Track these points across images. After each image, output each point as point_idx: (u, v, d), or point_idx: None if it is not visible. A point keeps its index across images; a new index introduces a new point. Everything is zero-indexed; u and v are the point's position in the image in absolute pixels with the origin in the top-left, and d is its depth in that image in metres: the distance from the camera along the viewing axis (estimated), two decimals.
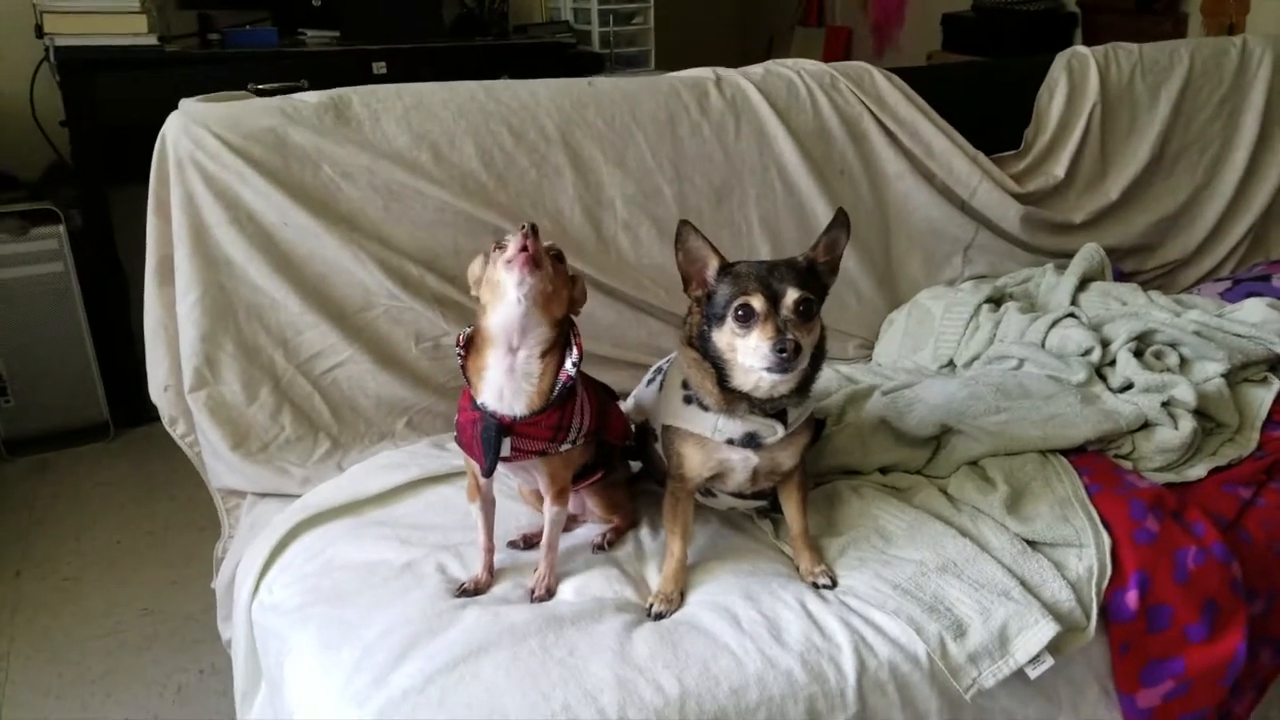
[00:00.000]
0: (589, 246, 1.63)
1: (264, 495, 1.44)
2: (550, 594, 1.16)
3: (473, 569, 1.18)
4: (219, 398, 1.43)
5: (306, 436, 1.46)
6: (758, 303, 1.05)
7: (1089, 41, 3.95)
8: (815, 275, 1.12)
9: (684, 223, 1.11)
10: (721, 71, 1.79)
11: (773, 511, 1.30)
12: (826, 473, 1.40)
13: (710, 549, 1.26)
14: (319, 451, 1.46)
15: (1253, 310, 1.62)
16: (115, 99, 2.53)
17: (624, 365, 1.62)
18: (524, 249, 1.02)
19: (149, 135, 1.45)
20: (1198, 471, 1.36)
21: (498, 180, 1.56)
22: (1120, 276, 1.94)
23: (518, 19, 3.56)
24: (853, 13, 5.12)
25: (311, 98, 1.49)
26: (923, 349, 1.78)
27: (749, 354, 1.06)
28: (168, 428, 1.49)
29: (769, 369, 1.04)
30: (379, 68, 2.86)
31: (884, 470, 1.40)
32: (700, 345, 1.12)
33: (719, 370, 1.11)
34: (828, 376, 1.68)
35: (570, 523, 1.29)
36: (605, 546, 1.26)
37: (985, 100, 2.05)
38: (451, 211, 1.52)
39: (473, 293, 1.10)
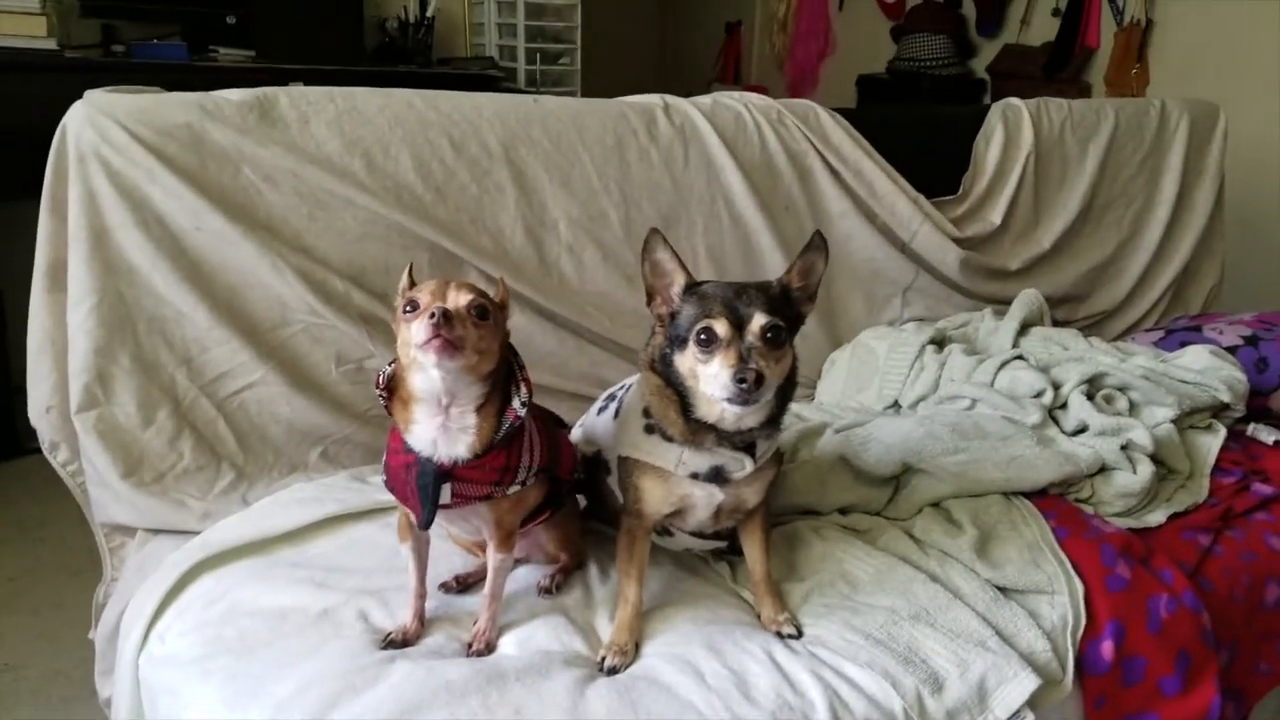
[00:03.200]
0: (530, 269, 1.53)
1: (156, 532, 1.27)
2: (490, 649, 1.03)
3: (400, 617, 1.05)
4: (110, 419, 1.26)
5: (208, 466, 1.30)
6: (721, 327, 0.96)
7: None
8: (788, 301, 1.05)
9: (654, 231, 1.03)
10: (670, 99, 1.75)
11: (730, 553, 1.21)
12: (783, 512, 1.32)
13: (665, 594, 1.16)
14: (222, 483, 1.30)
15: (1196, 357, 1.63)
16: (4, 103, 2.34)
17: (564, 395, 1.52)
18: (437, 336, 0.87)
19: (39, 143, 1.28)
20: (1157, 517, 1.34)
21: (436, 194, 1.45)
22: (1055, 325, 1.94)
23: (442, 51, 3.48)
24: (769, 72, 5.24)
25: (234, 95, 1.36)
26: (867, 389, 1.74)
27: (709, 382, 0.97)
28: (47, 454, 1.31)
29: (729, 399, 0.95)
30: None
31: (843, 511, 1.33)
32: (663, 369, 1.03)
33: (683, 398, 1.02)
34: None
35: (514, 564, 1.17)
36: (552, 590, 1.14)
37: (924, 145, 2.05)
38: (384, 224, 1.40)
39: (394, 328, 0.95)
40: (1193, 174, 2.33)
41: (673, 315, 1.02)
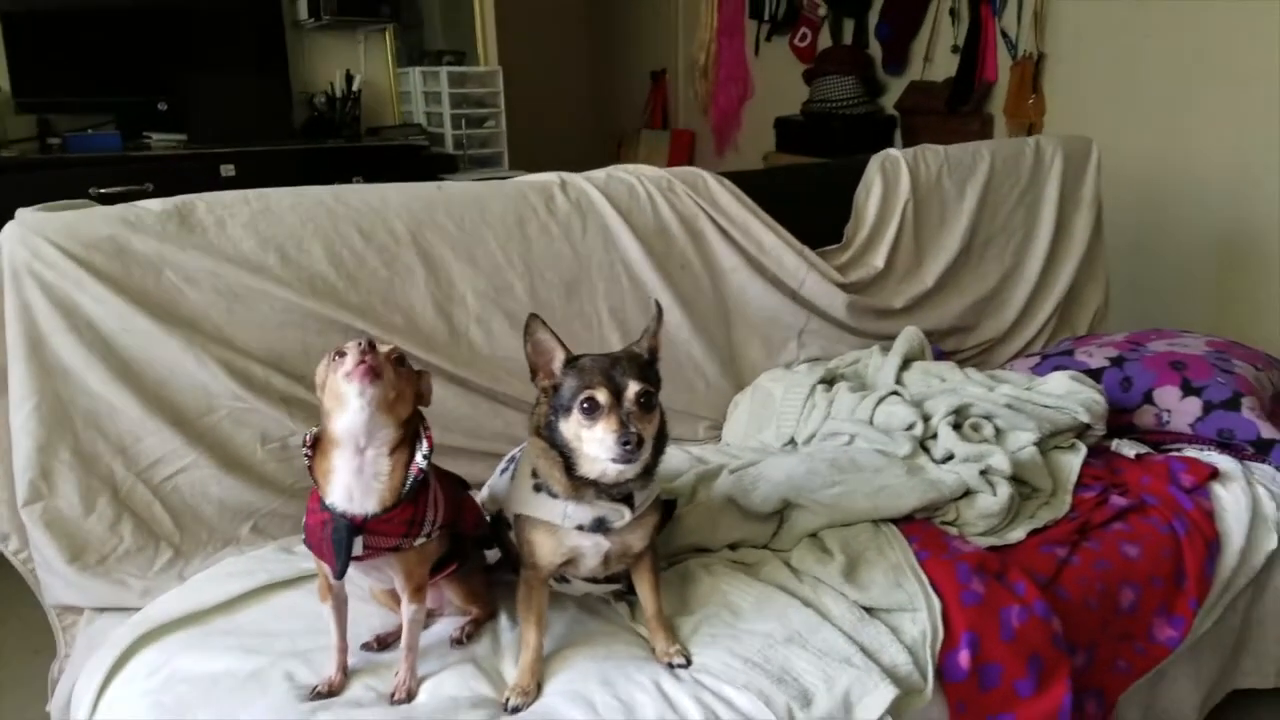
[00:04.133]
0: (440, 340, 1.66)
1: (102, 610, 1.37)
2: (411, 697, 1.15)
3: (324, 673, 1.16)
4: (55, 511, 1.37)
5: (147, 546, 1.41)
6: (602, 396, 1.10)
7: (907, 139, 4.33)
8: (653, 365, 1.19)
9: (533, 316, 1.17)
10: (566, 176, 1.89)
11: (629, 594, 1.34)
12: (678, 552, 1.45)
13: (567, 636, 1.28)
14: (160, 561, 1.41)
15: (1058, 383, 1.78)
16: None
17: (480, 456, 1.64)
18: (362, 362, 1.04)
19: None
20: (1017, 534, 1.48)
21: (348, 280, 1.58)
22: (941, 355, 2.11)
23: (370, 121, 3.62)
24: (695, 117, 5.44)
25: (155, 205, 1.48)
26: (766, 428, 1.88)
27: (595, 445, 1.11)
28: None
29: (614, 459, 1.10)
30: (227, 170, 2.86)
31: (733, 546, 1.46)
32: (548, 434, 1.16)
33: (566, 458, 1.15)
34: (679, 458, 1.76)
35: (426, 618, 1.29)
36: (464, 640, 1.26)
37: (809, 199, 2.22)
38: (300, 312, 1.53)
39: (318, 394, 1.11)
40: (1070, 205, 2.51)
41: (555, 387, 1.16)
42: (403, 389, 1.09)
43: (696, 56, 5.26)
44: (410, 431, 1.11)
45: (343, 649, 1.17)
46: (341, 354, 1.06)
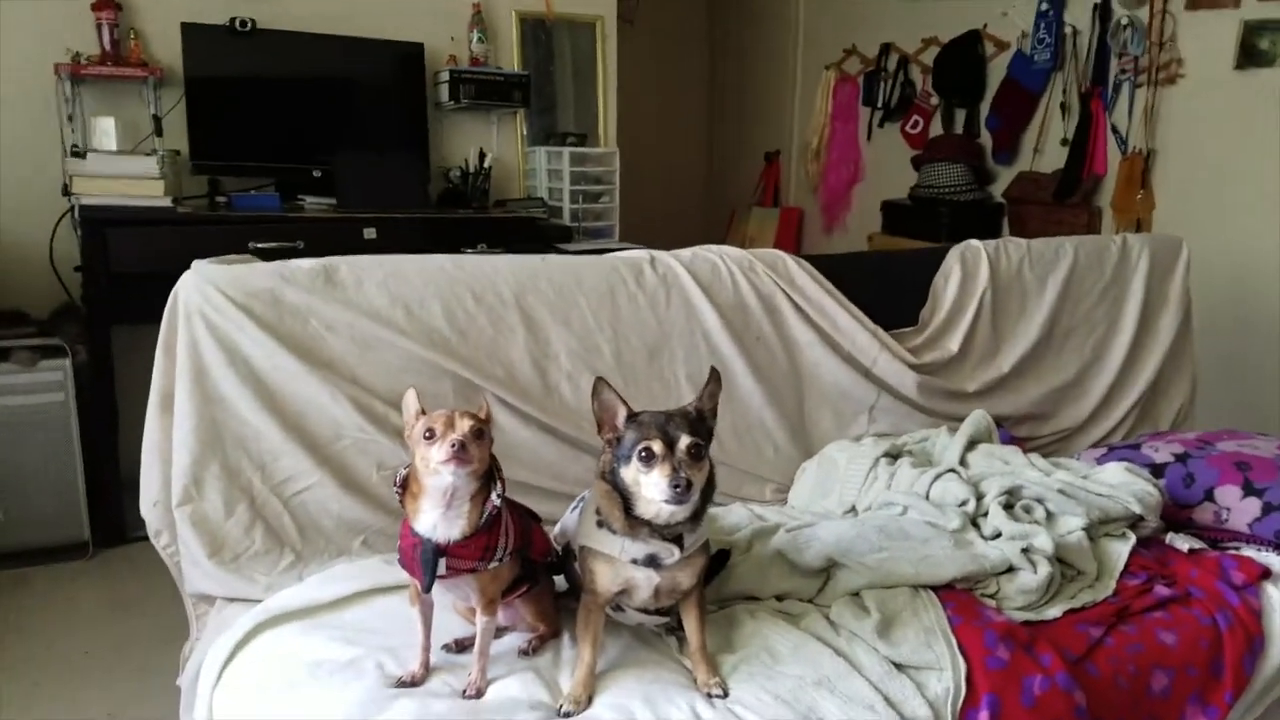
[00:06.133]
0: (535, 392, 1.87)
1: (231, 600, 1.61)
2: (480, 694, 1.32)
3: (409, 667, 1.35)
4: (201, 513, 1.62)
5: (274, 550, 1.65)
6: (657, 446, 1.28)
7: (1014, 228, 4.38)
8: (703, 421, 1.36)
9: (599, 379, 1.36)
10: (656, 253, 2.09)
11: (678, 629, 1.48)
12: (729, 598, 1.58)
13: (619, 660, 1.42)
14: (284, 563, 1.64)
15: (1113, 474, 1.85)
16: (127, 251, 2.83)
17: (563, 497, 1.80)
18: (454, 457, 1.22)
19: (154, 282, 1.70)
20: (1054, 612, 1.54)
21: (460, 335, 1.82)
22: (1010, 440, 2.18)
23: (498, 194, 3.96)
24: (805, 197, 5.62)
25: (306, 264, 1.76)
26: (830, 495, 2.00)
27: (650, 488, 1.28)
28: (152, 539, 1.67)
29: (667, 500, 1.27)
30: (369, 233, 3.19)
31: (780, 598, 1.58)
32: (611, 479, 1.34)
33: (626, 500, 1.33)
34: (741, 514, 1.90)
35: (500, 631, 1.47)
36: (530, 652, 1.43)
37: (890, 284, 2.36)
38: (418, 360, 1.77)
39: (408, 442, 1.30)
40: (1156, 302, 2.57)
41: (618, 439, 1.34)
42: (483, 456, 1.28)
43: (810, 139, 5.45)
44: (486, 476, 1.31)
45: (426, 648, 1.36)
46: (431, 432, 1.25)
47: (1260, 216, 3.40)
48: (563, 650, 1.45)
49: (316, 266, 1.75)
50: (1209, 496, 1.89)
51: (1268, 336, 3.36)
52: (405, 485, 1.31)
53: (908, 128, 4.94)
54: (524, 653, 1.43)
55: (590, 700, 1.32)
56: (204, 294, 1.66)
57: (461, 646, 1.44)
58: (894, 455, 2.04)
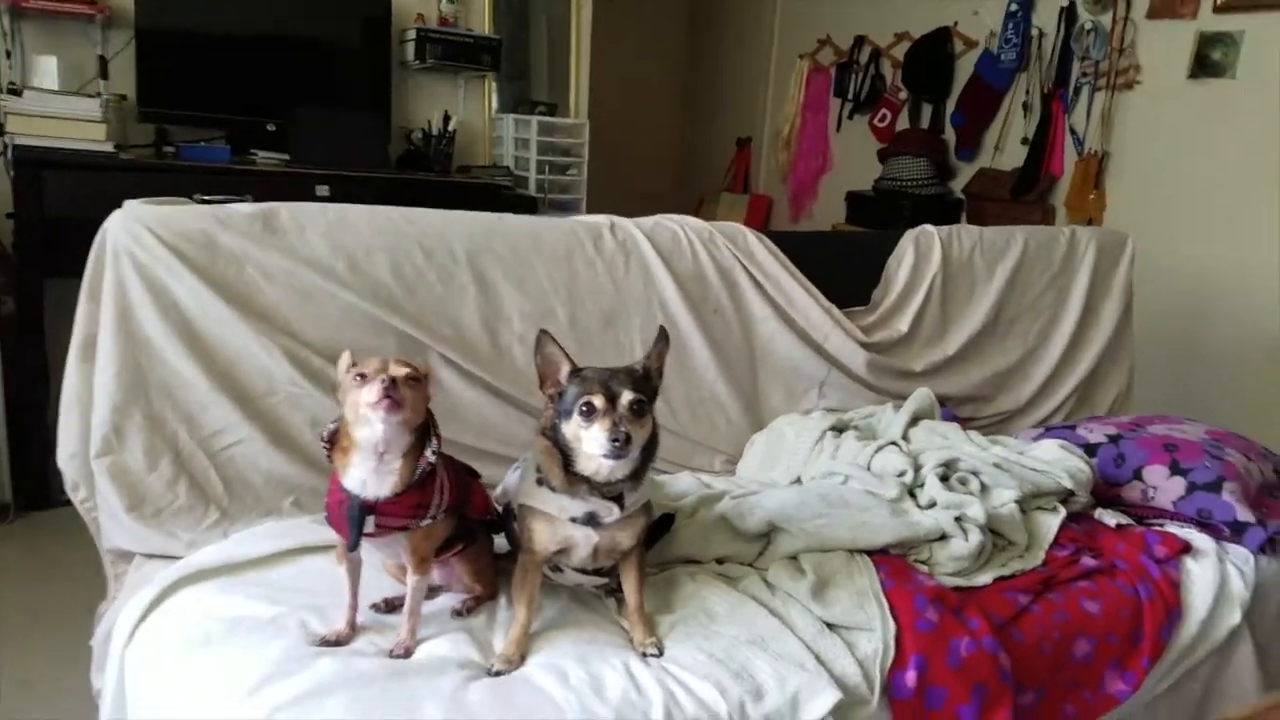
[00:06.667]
0: (484, 353, 1.83)
1: (150, 557, 1.54)
2: (408, 654, 1.28)
3: (334, 626, 1.31)
4: (122, 465, 1.55)
5: (198, 506, 1.58)
6: (599, 401, 1.26)
7: (972, 222, 4.42)
8: (648, 380, 1.34)
9: (543, 332, 1.33)
10: (617, 219, 2.06)
11: (617, 591, 1.46)
12: (670, 561, 1.57)
13: (556, 621, 1.40)
14: (208, 520, 1.58)
15: (1047, 450, 1.89)
16: (63, 197, 2.71)
17: (509, 461, 1.75)
18: (387, 397, 1.18)
19: (91, 230, 1.61)
20: (984, 579, 1.57)
21: (407, 291, 1.76)
22: (952, 418, 2.20)
23: (462, 160, 3.88)
24: (774, 185, 5.62)
25: (244, 208, 1.70)
26: (777, 466, 1.99)
27: (590, 442, 1.26)
28: (69, 493, 1.60)
29: (606, 455, 1.25)
30: (322, 190, 3.11)
31: (720, 561, 1.57)
32: (551, 434, 1.31)
33: (566, 457, 1.30)
34: (689, 482, 1.89)
35: (434, 591, 1.44)
36: (464, 613, 1.40)
37: (846, 264, 2.36)
38: (360, 314, 1.71)
39: (336, 395, 1.25)
40: (1099, 293, 2.60)
41: (560, 394, 1.31)
42: (418, 405, 1.24)
43: (781, 128, 5.46)
44: (421, 431, 1.27)
45: (353, 607, 1.32)
46: (363, 375, 1.20)
47: (1206, 220, 3.48)
48: (499, 612, 1.43)
49: (255, 211, 1.69)
50: (1137, 475, 1.94)
51: (1209, 333, 3.44)
52: (334, 440, 1.27)
53: (876, 121, 4.97)
54: (458, 613, 1.40)
55: (524, 660, 1.30)
56: (133, 233, 1.58)
57: (392, 606, 1.40)
58: (840, 429, 2.04)
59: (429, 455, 1.26)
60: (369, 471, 1.23)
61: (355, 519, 1.23)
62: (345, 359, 1.25)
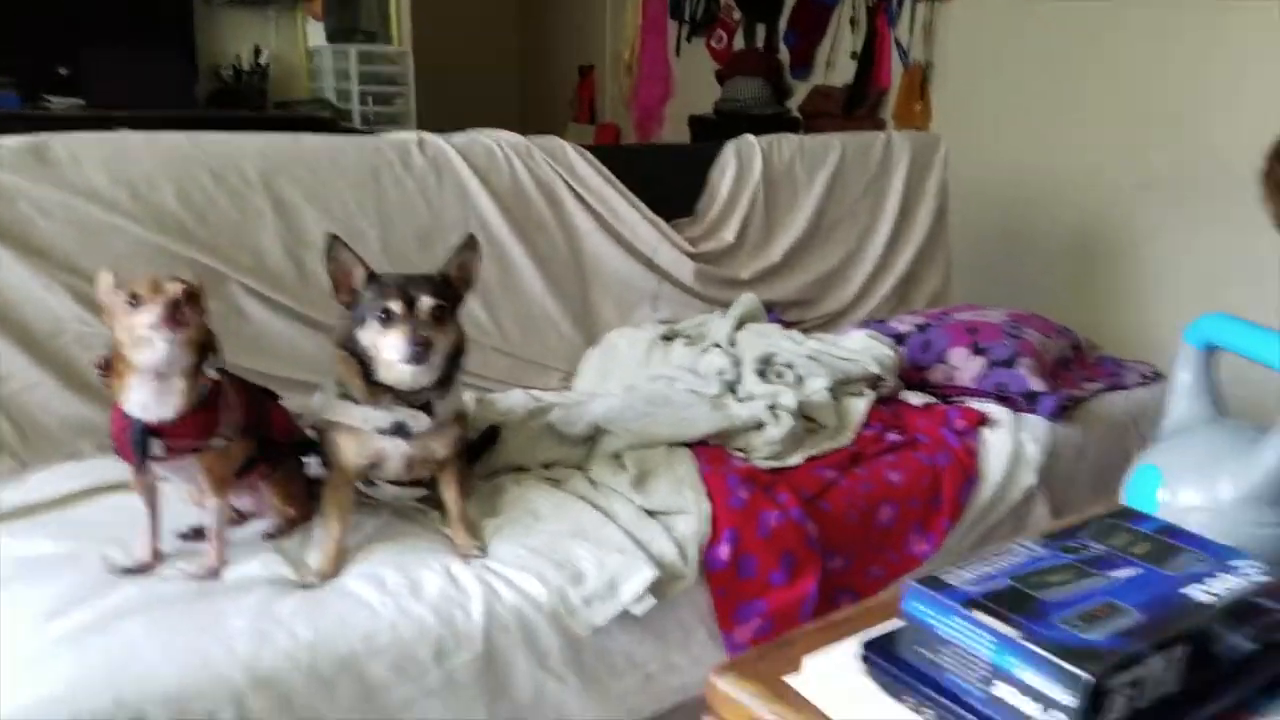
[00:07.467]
0: (289, 280, 1.78)
1: None
2: (215, 575, 1.26)
3: (136, 552, 1.27)
4: None
5: None
6: (397, 306, 1.24)
7: None
8: (450, 286, 1.33)
9: (333, 236, 1.30)
10: (425, 135, 2.01)
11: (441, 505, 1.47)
12: (499, 470, 1.58)
13: (377, 535, 1.39)
14: (2, 469, 1.50)
15: (856, 341, 2.01)
16: None
17: None
18: (170, 317, 1.13)
19: None
20: (795, 459, 1.65)
21: (198, 219, 1.69)
22: (779, 322, 2.28)
23: (280, 95, 3.71)
24: (620, 113, 5.59)
25: (12, 140, 1.58)
26: (611, 378, 2.03)
27: (389, 349, 1.24)
28: None
29: (405, 360, 1.24)
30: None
31: (547, 466, 1.60)
32: (349, 344, 1.29)
33: (365, 366, 1.29)
34: (521, 398, 1.89)
35: (245, 518, 1.41)
36: (276, 536, 1.37)
37: (670, 176, 2.38)
38: (148, 246, 1.63)
39: (104, 320, 1.19)
40: (914, 196, 2.70)
41: (356, 301, 1.29)
42: (198, 322, 1.20)
43: (622, 53, 5.41)
44: (200, 351, 1.22)
45: (153, 532, 1.28)
46: (135, 295, 1.15)
47: (1026, 126, 3.66)
48: (314, 532, 1.40)
49: (25, 143, 1.58)
50: (941, 358, 2.07)
51: (1025, 228, 3.65)
52: (109, 366, 1.22)
53: (713, 42, 4.98)
54: (269, 536, 1.38)
55: (338, 573, 1.29)
56: None
57: (200, 534, 1.36)
58: (671, 338, 2.09)
59: (209, 372, 1.22)
60: (150, 394, 1.19)
61: (139, 440, 1.19)
62: (106, 279, 1.19)
